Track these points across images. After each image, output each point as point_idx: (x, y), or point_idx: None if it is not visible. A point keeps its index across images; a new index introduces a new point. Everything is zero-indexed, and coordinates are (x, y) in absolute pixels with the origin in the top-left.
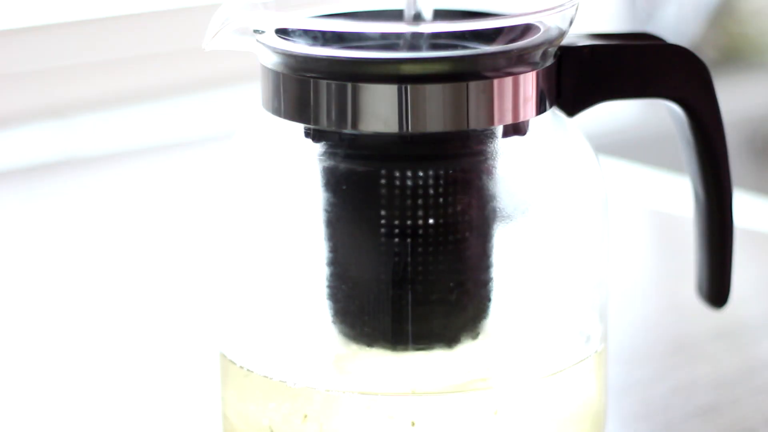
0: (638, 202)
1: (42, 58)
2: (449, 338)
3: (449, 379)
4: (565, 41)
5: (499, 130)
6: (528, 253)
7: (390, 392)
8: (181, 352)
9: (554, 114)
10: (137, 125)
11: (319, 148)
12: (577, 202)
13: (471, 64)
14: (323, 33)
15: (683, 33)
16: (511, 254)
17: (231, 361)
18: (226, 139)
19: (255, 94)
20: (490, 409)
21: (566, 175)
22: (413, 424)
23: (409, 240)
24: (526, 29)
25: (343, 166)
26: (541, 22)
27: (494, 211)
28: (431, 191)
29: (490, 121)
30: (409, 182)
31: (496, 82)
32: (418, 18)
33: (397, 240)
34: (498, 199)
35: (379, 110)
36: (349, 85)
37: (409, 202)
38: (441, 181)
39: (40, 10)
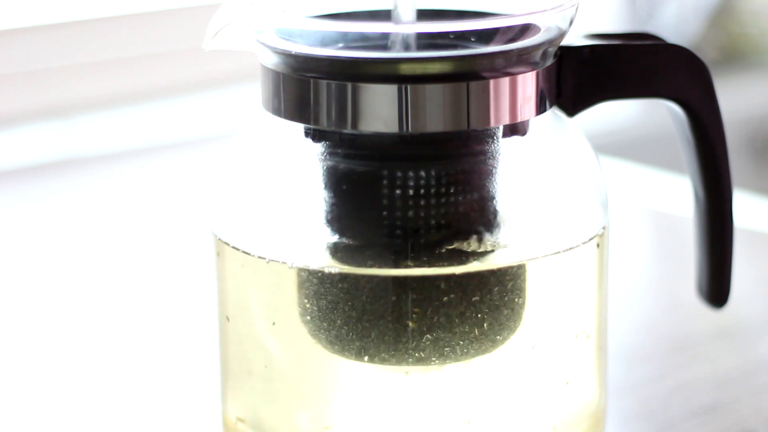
0: (638, 202)
1: (42, 58)
2: (451, 332)
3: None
4: (565, 41)
5: (499, 130)
6: (527, 253)
7: (386, 272)
8: (180, 351)
9: (554, 114)
10: (137, 125)
11: (319, 148)
12: (577, 202)
13: (471, 64)
14: (323, 33)
15: (683, 33)
16: (510, 254)
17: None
18: (226, 139)
19: (255, 94)
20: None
21: (566, 175)
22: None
23: (409, 240)
24: (526, 29)
25: (343, 166)
26: (541, 22)
27: (494, 211)
28: (431, 191)
29: (490, 121)
30: (409, 182)
31: (496, 82)
32: (417, 18)
33: (397, 240)
34: (498, 199)
35: (379, 110)
36: (349, 85)
37: (409, 202)
38: (441, 181)
39: (40, 10)
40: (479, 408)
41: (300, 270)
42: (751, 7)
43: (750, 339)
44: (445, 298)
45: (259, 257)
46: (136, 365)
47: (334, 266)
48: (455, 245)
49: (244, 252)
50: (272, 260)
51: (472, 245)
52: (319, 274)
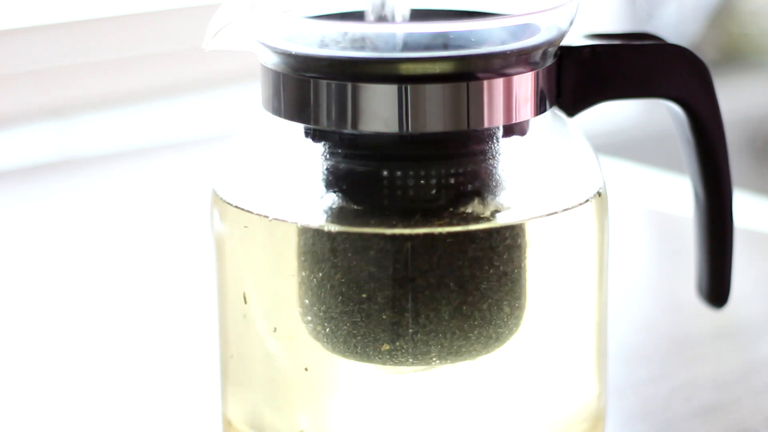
0: (638, 202)
1: (42, 58)
2: (451, 333)
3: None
4: (565, 41)
5: (499, 130)
6: (527, 252)
7: (384, 229)
8: (180, 351)
9: (554, 114)
10: (137, 125)
11: (319, 148)
12: (577, 202)
13: (470, 65)
14: (323, 33)
15: (683, 33)
16: (510, 254)
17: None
18: (226, 139)
19: (255, 94)
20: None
21: (566, 175)
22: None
23: (409, 240)
24: (526, 29)
25: (343, 166)
26: (541, 22)
27: (494, 211)
28: (431, 191)
29: (490, 121)
30: (409, 182)
31: (496, 82)
32: (417, 18)
33: (397, 240)
34: (498, 199)
35: (379, 110)
36: (349, 85)
37: (408, 202)
38: (441, 181)
39: (40, 10)
40: (478, 405)
41: (301, 250)
42: (751, 7)
43: (750, 339)
44: (437, 260)
45: (260, 225)
46: (137, 364)
47: (333, 227)
48: (452, 226)
49: (246, 227)
50: (274, 222)
51: (472, 215)
52: (319, 253)
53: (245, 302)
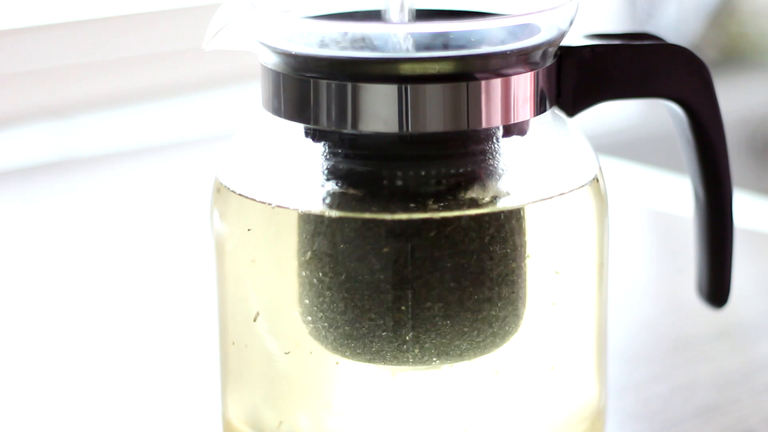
0: (638, 202)
1: (42, 58)
2: (452, 333)
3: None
4: (565, 41)
5: (499, 130)
6: (527, 252)
7: (381, 214)
8: (180, 351)
9: (554, 114)
10: (137, 125)
11: (319, 148)
12: (577, 202)
13: (470, 65)
14: (323, 33)
15: (683, 33)
16: (510, 254)
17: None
18: (226, 139)
19: (255, 94)
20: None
21: (566, 175)
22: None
23: (409, 240)
24: (526, 29)
25: (343, 165)
26: (540, 23)
27: (493, 197)
28: (431, 191)
29: (490, 121)
30: (409, 182)
31: (495, 82)
32: (417, 18)
33: (397, 240)
34: (498, 199)
35: (379, 110)
36: (349, 85)
37: (409, 203)
38: (441, 181)
39: (40, 10)
40: (478, 405)
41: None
42: (751, 7)
43: (750, 339)
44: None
45: (262, 216)
46: (137, 365)
47: (334, 213)
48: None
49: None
50: (276, 209)
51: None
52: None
53: (254, 320)
